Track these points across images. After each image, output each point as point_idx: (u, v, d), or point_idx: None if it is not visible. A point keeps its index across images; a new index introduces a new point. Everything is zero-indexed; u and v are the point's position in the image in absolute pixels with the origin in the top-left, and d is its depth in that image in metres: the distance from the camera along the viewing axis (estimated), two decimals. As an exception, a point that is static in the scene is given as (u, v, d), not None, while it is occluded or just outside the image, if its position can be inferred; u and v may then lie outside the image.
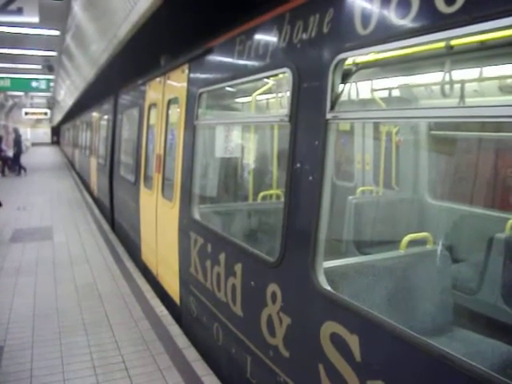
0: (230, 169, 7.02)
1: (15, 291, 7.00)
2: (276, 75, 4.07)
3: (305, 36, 3.25)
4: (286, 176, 3.38)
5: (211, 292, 4.76)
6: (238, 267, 4.11)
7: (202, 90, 5.22)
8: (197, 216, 5.29)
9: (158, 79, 7.28)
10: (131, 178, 9.18)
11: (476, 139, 6.18)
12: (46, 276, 7.76)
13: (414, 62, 4.14)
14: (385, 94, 5.93)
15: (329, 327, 2.88)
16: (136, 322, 5.95)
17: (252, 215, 6.02)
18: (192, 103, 5.45)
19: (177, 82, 6.26)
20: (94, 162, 16.35)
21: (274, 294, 3.50)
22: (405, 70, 4.96)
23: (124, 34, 9.13)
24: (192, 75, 5.65)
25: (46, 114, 54.06)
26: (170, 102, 6.64)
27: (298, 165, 3.25)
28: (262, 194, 6.22)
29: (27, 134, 55.86)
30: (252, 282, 3.89)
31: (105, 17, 10.65)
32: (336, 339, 2.81)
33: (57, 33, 19.00)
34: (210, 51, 5.09)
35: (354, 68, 3.33)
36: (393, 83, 5.73)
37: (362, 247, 5.89)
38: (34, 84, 31.74)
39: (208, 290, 4.86)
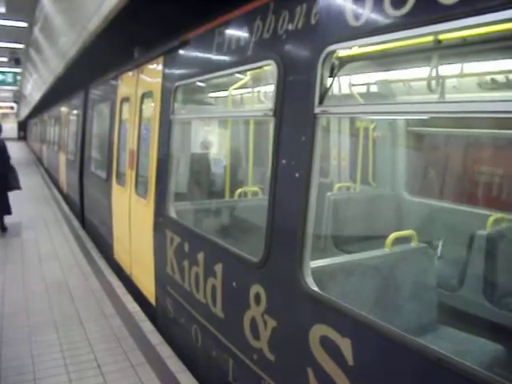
0: (207, 165, 6.80)
1: None
2: (259, 68, 3.85)
3: (291, 27, 3.10)
4: (270, 172, 3.23)
5: (189, 293, 4.57)
6: (219, 267, 3.94)
7: (178, 84, 5.00)
8: (172, 214, 5.09)
9: (130, 73, 7.01)
10: (103, 174, 8.83)
11: (451, 135, 6.14)
12: (14, 273, 7.54)
13: (404, 55, 3.98)
14: (374, 88, 5.77)
15: (318, 330, 2.75)
16: (107, 318, 5.83)
17: (230, 212, 5.83)
18: (168, 97, 5.22)
19: (151, 76, 6.03)
20: (62, 158, 15.85)
21: (257, 296, 3.35)
22: (394, 64, 4.77)
23: (95, 26, 8.78)
24: (167, 68, 5.43)
25: (12, 108, 53.07)
26: (143, 96, 6.38)
27: (284, 161, 3.11)
28: (238, 191, 6.01)
29: (-8, 128, 54.61)
30: (234, 283, 3.73)
31: (74, 8, 10.31)
32: (326, 343, 2.69)
33: (24, 24, 18.61)
34: (186, 43, 4.89)
35: (343, 61, 3.16)
36: (382, 77, 5.56)
37: (340, 244, 5.77)
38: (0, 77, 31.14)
39: (186, 291, 4.66)
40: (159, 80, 5.57)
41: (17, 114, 62.30)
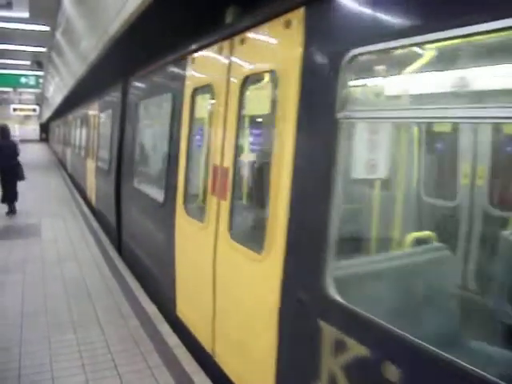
0: (371, 198, 4.09)
1: (4, 289, 6.69)
2: None
3: None
4: None
5: None
6: None
7: (355, 53, 2.63)
8: (331, 290, 2.71)
9: (214, 48, 4.59)
10: (156, 195, 6.32)
11: None
12: (34, 273, 7.42)
13: None
14: None
15: None
16: (125, 319, 5.71)
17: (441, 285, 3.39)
18: (321, 80, 2.88)
19: (269, 46, 3.64)
20: (91, 166, 13.30)
21: None
22: None
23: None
24: (317, 29, 3.02)
25: (34, 110, 53.50)
26: (245, 82, 3.96)
27: None
28: (411, 237, 3.70)
29: (15, 130, 55.43)
30: None
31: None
32: None
33: (46, 28, 18.78)
34: None
35: None
36: None
37: None
38: (22, 80, 31.47)
39: None
40: (295, 51, 3.17)
41: (39, 116, 62.77)
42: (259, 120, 4.24)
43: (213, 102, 4.59)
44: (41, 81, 33.08)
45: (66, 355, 4.85)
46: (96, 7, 9.29)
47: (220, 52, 4.45)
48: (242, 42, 4.03)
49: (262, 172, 4.19)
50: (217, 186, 4.30)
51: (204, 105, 5.03)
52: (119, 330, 5.47)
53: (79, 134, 17.76)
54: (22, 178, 12.40)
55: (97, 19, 9.53)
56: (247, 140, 4.18)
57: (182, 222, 5.23)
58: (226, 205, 4.10)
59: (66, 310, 6.03)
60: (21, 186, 12.90)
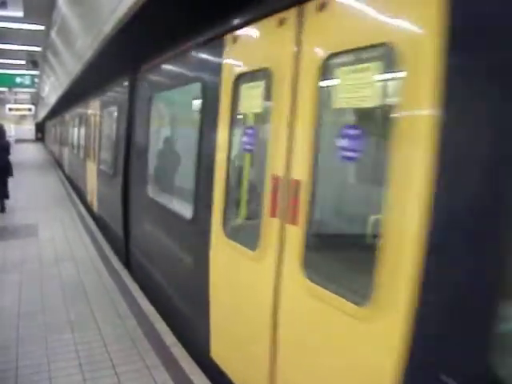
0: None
1: (1, 289, 6.64)
2: None
3: None
4: None
5: None
6: None
7: None
8: (502, 369, 1.71)
9: (269, 21, 3.49)
10: (183, 209, 5.31)
11: None
12: (31, 273, 7.40)
13: None
14: None
15: None
16: (122, 319, 5.68)
17: None
18: (491, 55, 1.83)
19: (375, 9, 2.48)
20: (92, 168, 12.24)
21: None
22: None
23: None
24: None
25: (30, 110, 53.31)
26: (328, 63, 2.87)
27: None
28: None
29: (11, 130, 55.17)
30: None
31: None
32: None
33: (41, 28, 18.75)
34: None
35: None
36: None
37: None
38: (18, 79, 31.37)
39: None
40: (429, 13, 2.07)
41: (34, 116, 62.55)
42: (357, 115, 3.11)
43: (270, 91, 3.48)
44: (36, 80, 32.96)
45: (63, 355, 4.81)
46: (92, 5, 9.17)
47: (281, 25, 3.34)
48: (321, 8, 2.93)
49: (363, 186, 3.38)
50: (279, 204, 3.23)
51: (255, 96, 3.76)
52: (116, 329, 5.43)
53: (77, 134, 16.86)
54: (11, 174, 13.07)
55: (93, 17, 9.40)
56: (334, 143, 2.84)
57: (221, 245, 4.15)
58: (297, 232, 3.01)
59: (63, 309, 5.99)
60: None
